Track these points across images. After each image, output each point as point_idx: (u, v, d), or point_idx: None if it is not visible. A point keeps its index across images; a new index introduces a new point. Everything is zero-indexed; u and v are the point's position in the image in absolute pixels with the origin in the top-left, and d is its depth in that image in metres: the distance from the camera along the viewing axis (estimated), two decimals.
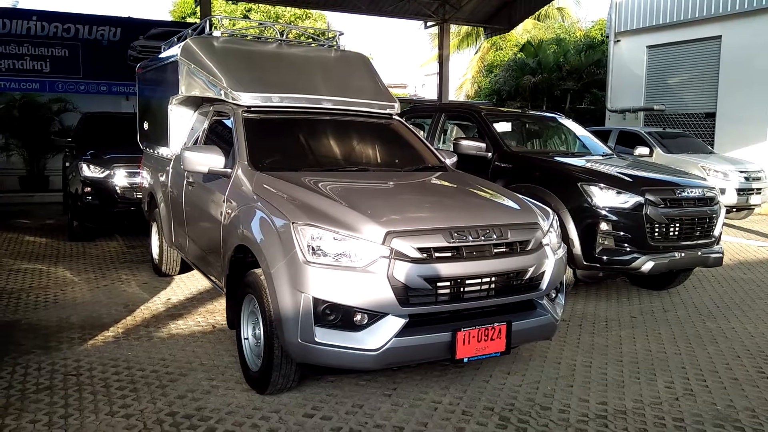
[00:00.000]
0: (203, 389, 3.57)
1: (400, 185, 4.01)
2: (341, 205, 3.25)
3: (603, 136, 13.22)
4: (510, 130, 6.55)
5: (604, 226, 5.00)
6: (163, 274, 6.21)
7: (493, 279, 3.23)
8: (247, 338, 3.65)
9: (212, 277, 4.50)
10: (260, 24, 6.53)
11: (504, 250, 3.31)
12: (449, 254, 3.14)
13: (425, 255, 3.08)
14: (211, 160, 4.03)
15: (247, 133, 4.22)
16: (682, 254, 5.16)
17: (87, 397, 3.43)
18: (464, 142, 6.07)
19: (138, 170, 7.27)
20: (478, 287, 3.20)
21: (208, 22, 5.37)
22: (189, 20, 17.93)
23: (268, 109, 4.54)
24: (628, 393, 3.66)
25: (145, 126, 6.71)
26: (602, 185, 5.07)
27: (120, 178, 7.81)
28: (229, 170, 4.04)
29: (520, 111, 7.32)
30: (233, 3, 20.88)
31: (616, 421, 3.29)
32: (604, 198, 5.04)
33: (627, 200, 5.02)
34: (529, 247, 3.40)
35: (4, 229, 9.20)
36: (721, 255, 5.48)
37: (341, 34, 5.86)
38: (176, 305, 5.31)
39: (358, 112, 4.86)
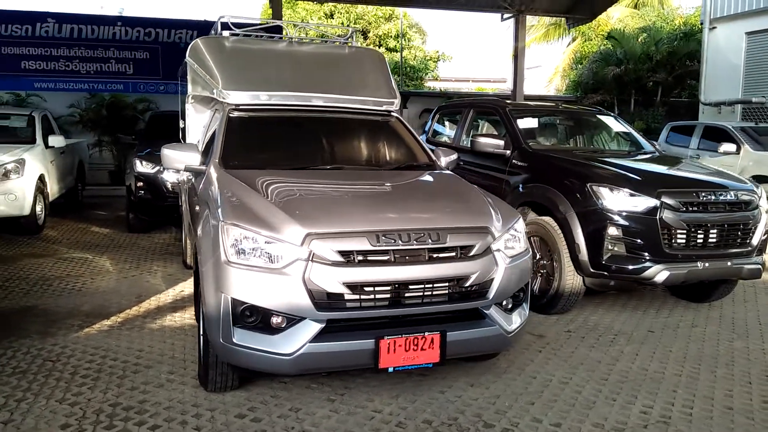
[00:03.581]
0: (158, 382, 3.65)
1: (358, 185, 3.87)
2: (272, 206, 3.20)
3: (688, 131, 12.25)
4: (536, 126, 6.19)
5: (613, 230, 4.59)
6: (189, 267, 6.45)
7: (426, 286, 3.06)
8: (202, 335, 3.69)
9: None
10: (271, 24, 6.48)
11: (442, 255, 3.11)
12: (375, 258, 3.00)
13: (346, 258, 2.96)
14: (187, 158, 4.12)
15: (228, 131, 4.28)
16: (706, 264, 4.62)
17: (50, 383, 3.61)
18: (482, 139, 5.81)
19: None
20: (407, 294, 3.04)
21: (219, 22, 5.49)
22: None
23: (257, 107, 4.57)
24: (592, 415, 3.34)
25: (181, 124, 6.99)
26: (612, 186, 4.65)
27: (170, 173, 8.20)
28: (204, 168, 4.11)
29: (553, 105, 6.90)
30: (318, 3, 21.34)
31: None
32: (613, 200, 4.62)
33: (639, 203, 4.57)
34: (472, 253, 3.18)
35: (80, 219, 9.94)
36: (759, 267, 4.86)
37: (355, 31, 5.80)
38: (184, 298, 5.49)
39: (352, 110, 4.77)
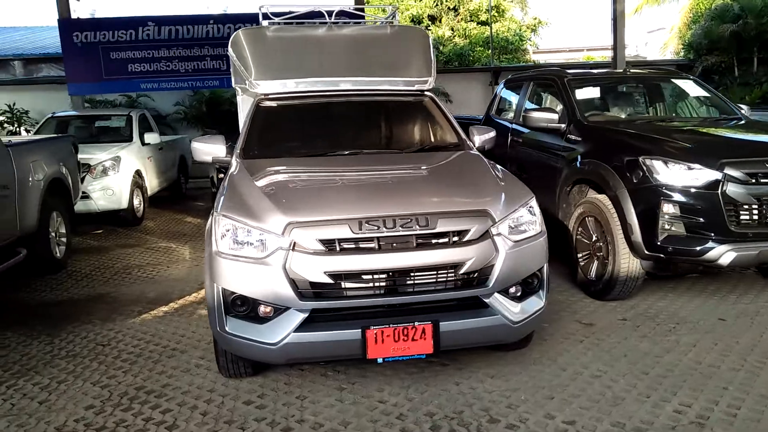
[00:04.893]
0: (186, 367, 3.80)
1: (364, 171, 3.73)
2: (263, 195, 3.19)
3: None
4: (599, 96, 5.70)
5: (668, 208, 4.12)
6: None
7: (414, 274, 2.91)
8: None
9: None
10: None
11: (432, 241, 2.95)
12: (357, 246, 2.90)
13: (328, 247, 2.89)
14: (213, 150, 4.22)
15: (253, 120, 4.35)
16: None
17: (92, 366, 3.88)
18: (534, 114, 5.45)
19: None
20: (396, 282, 2.92)
21: (261, 12, 5.56)
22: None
23: (285, 95, 4.59)
24: (615, 413, 3.04)
25: None
26: (667, 159, 4.17)
27: None
28: (229, 158, 4.19)
29: (621, 73, 6.30)
30: None
31: None
32: (669, 174, 4.15)
33: (698, 177, 4.07)
34: (467, 238, 2.98)
35: (178, 210, 10.61)
36: None
37: (396, 9, 5.65)
38: None
39: (382, 91, 4.66)
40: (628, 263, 4.45)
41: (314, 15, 5.53)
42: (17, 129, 14.01)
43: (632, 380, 3.39)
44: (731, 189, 4.01)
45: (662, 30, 29.15)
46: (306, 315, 2.89)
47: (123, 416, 3.20)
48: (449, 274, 2.95)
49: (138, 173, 9.21)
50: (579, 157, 5.02)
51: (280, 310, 2.93)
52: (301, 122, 4.55)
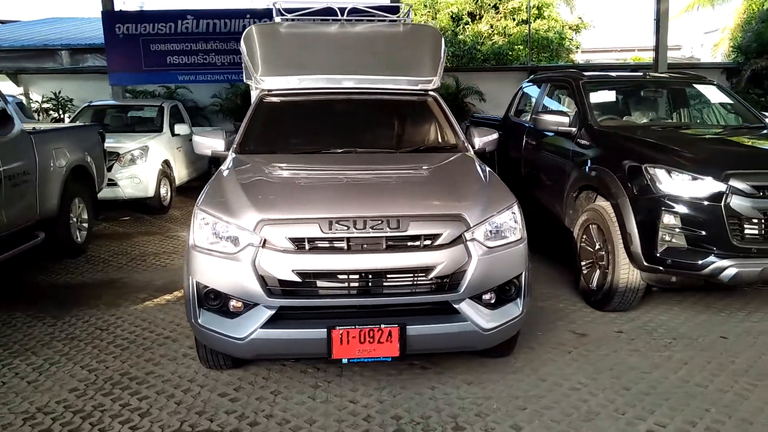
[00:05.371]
0: (173, 356, 3.89)
1: (349, 170, 3.73)
2: (241, 191, 3.23)
3: None
4: (613, 100, 5.54)
5: (669, 219, 3.99)
6: None
7: (383, 276, 2.90)
8: None
9: None
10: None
11: (403, 244, 2.93)
12: (327, 246, 2.91)
13: (298, 246, 2.91)
14: (213, 144, 4.28)
15: (253, 115, 4.40)
16: None
17: (86, 350, 4.01)
18: (544, 117, 5.35)
19: None
20: (365, 284, 2.91)
21: (274, 8, 5.60)
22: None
23: (288, 92, 4.63)
24: (586, 429, 2.97)
25: None
26: (670, 168, 4.03)
27: None
28: (227, 153, 4.26)
29: (640, 77, 6.09)
30: None
31: None
32: (671, 184, 4.01)
33: (701, 188, 3.91)
34: (438, 242, 2.95)
35: None
36: None
37: (410, 7, 5.62)
38: None
39: (385, 90, 4.65)
40: (627, 274, 4.32)
41: (327, 12, 5.53)
42: (61, 116, 14.54)
43: (611, 395, 3.30)
44: (735, 202, 3.85)
45: (716, 31, 28.12)
46: (273, 312, 2.92)
47: (102, 401, 3.30)
48: (419, 278, 2.94)
49: (166, 163, 9.43)
50: (588, 162, 4.90)
51: (249, 305, 2.97)
52: (299, 119, 4.59)
